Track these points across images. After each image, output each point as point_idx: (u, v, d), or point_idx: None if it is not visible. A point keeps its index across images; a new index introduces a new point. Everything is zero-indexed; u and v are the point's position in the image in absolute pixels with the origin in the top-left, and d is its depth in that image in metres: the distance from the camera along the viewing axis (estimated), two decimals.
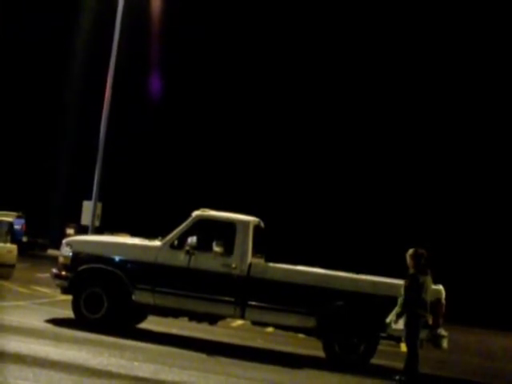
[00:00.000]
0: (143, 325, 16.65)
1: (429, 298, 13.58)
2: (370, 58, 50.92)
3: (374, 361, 14.97)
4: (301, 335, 16.07)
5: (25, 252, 33.91)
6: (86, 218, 29.33)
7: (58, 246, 18.00)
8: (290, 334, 16.25)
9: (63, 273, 15.64)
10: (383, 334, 14.88)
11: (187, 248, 15.03)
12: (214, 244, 15.18)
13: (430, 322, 13.86)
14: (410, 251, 13.76)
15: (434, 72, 49.84)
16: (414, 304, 13.36)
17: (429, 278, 13.68)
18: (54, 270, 15.90)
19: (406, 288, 13.43)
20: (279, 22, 51.89)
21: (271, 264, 15.43)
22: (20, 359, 10.71)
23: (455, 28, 49.12)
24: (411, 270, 13.63)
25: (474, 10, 48.69)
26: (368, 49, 50.87)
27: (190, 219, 15.53)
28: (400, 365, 16.52)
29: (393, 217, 49.08)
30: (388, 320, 13.66)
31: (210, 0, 52.38)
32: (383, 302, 14.72)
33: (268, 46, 51.97)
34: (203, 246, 15.12)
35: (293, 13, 52.02)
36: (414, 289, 13.40)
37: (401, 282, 15.12)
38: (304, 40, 51.72)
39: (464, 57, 49.21)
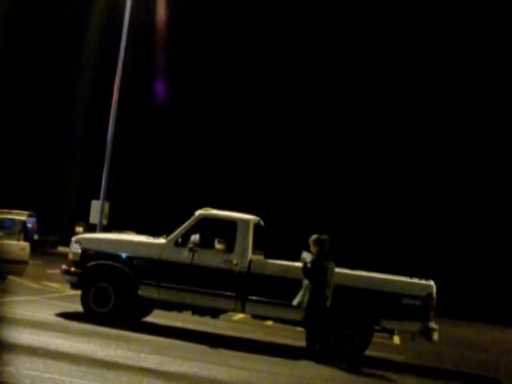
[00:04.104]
0: (149, 318, 16.67)
1: (332, 281, 14.16)
2: (370, 58, 50.76)
3: (368, 352, 15.00)
4: (299, 328, 16.08)
5: (36, 249, 33.90)
6: (94, 217, 29.39)
7: (67, 244, 18.00)
8: (289, 327, 16.26)
9: (72, 269, 15.67)
10: (377, 327, 14.94)
11: (190, 245, 15.06)
12: (215, 241, 15.22)
13: (328, 303, 14.22)
14: (313, 237, 14.37)
15: (434, 72, 49.69)
16: (321, 286, 13.91)
17: (332, 263, 14.26)
18: (64, 267, 15.92)
19: (312, 271, 13.99)
20: (280, 25, 51.79)
21: (270, 260, 15.46)
22: (31, 351, 10.73)
23: (455, 28, 48.95)
24: (315, 256, 14.14)
25: (474, 10, 48.51)
26: (368, 49, 50.70)
27: (193, 218, 15.56)
28: (393, 357, 16.58)
29: (392, 213, 49.02)
30: (295, 302, 14.10)
31: (213, 4, 52.31)
32: (377, 296, 14.77)
33: (268, 48, 51.89)
34: (206, 244, 15.15)
35: (293, 14, 51.92)
36: (320, 273, 13.96)
37: (397, 278, 15.20)
38: (304, 41, 51.62)
39: (464, 57, 49.03)
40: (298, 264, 15.59)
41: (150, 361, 11.36)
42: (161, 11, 31.13)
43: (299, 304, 14.08)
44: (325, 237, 14.45)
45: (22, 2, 51.21)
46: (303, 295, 14.07)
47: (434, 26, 49.33)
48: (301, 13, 52.08)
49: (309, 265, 14.12)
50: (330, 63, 51.34)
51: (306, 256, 14.30)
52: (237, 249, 15.12)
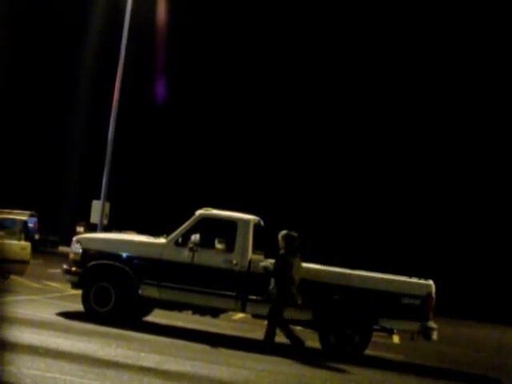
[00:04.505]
0: (149, 318, 16.69)
1: (297, 277, 14.33)
2: (370, 57, 50.73)
3: (367, 352, 15.01)
4: (298, 327, 16.09)
5: (37, 249, 33.92)
6: (95, 217, 29.42)
7: (68, 244, 18.04)
8: None
9: (73, 268, 15.69)
10: (376, 327, 14.96)
11: (191, 245, 15.07)
12: (216, 241, 15.22)
13: (299, 301, 14.41)
14: (283, 233, 14.64)
15: (434, 72, 49.64)
16: (286, 282, 14.14)
17: (298, 259, 14.46)
18: (65, 266, 15.94)
19: (278, 267, 14.25)
20: (280, 25, 51.79)
21: (270, 260, 15.46)
22: (33, 350, 10.74)
23: (455, 28, 48.91)
24: (282, 251, 14.42)
25: (474, 10, 48.46)
26: (368, 49, 50.68)
27: (193, 218, 15.58)
28: (393, 356, 16.60)
29: (391, 213, 49.01)
30: (271, 287, 14.41)
31: (213, 5, 52.30)
32: (376, 296, 14.79)
33: (268, 48, 51.90)
34: (206, 243, 15.16)
35: (293, 14, 51.91)
36: (285, 268, 14.19)
37: (396, 278, 15.23)
38: (304, 41, 51.60)
39: (464, 57, 48.98)
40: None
41: (151, 360, 11.37)
42: (161, 11, 31.15)
43: (271, 291, 14.33)
44: (294, 234, 14.71)
45: (22, 1, 51.23)
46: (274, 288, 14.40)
47: (434, 26, 49.31)
48: (301, 13, 52.08)
49: (270, 267, 14.42)
50: (330, 63, 51.35)
51: (265, 263, 14.67)
52: (237, 248, 15.14)
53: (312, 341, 15.60)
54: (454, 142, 49.52)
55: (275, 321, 14.37)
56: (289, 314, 14.91)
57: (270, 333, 14.34)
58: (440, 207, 48.80)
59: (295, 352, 13.99)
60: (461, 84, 48.90)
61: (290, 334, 14.36)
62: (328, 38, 51.20)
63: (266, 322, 17.45)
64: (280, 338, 16.68)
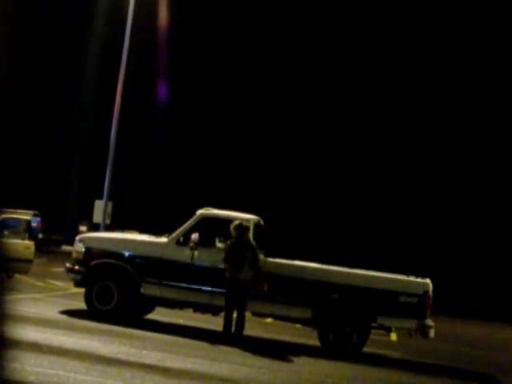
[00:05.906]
0: (151, 316, 16.71)
1: (247, 266, 14.52)
2: (370, 58, 50.66)
3: (365, 349, 15.04)
4: (298, 325, 16.13)
5: (41, 248, 33.92)
6: (97, 216, 29.42)
7: (71, 243, 18.03)
8: (288, 324, 16.31)
9: (76, 267, 15.73)
10: (374, 324, 14.99)
11: (192, 244, 15.11)
12: (216, 240, 15.27)
13: (265, 288, 14.69)
14: (235, 223, 14.81)
15: (434, 72, 49.58)
16: (230, 269, 14.48)
17: (248, 253, 14.54)
18: (68, 265, 15.98)
19: (225, 255, 14.61)
20: (280, 26, 51.77)
21: (270, 259, 15.50)
22: (36, 347, 10.78)
23: (455, 28, 48.83)
24: (230, 241, 14.67)
25: (474, 10, 48.39)
26: (368, 49, 50.61)
27: (194, 217, 15.61)
28: (390, 353, 16.62)
29: (390, 211, 48.95)
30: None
31: (214, 6, 52.28)
32: (375, 294, 14.83)
33: (269, 49, 51.86)
34: (206, 243, 15.21)
35: (293, 15, 51.88)
36: (230, 255, 14.48)
37: (394, 276, 15.27)
38: (304, 41, 51.57)
39: (464, 57, 48.90)
40: (297, 262, 15.69)
41: (152, 357, 11.40)
42: (163, 14, 31.17)
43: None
44: (246, 224, 14.84)
45: (24, 3, 51.20)
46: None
47: (434, 26, 49.27)
48: (301, 14, 52.07)
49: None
50: (330, 63, 51.32)
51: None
52: None
53: (311, 338, 15.64)
54: (443, 138, 49.38)
55: (244, 309, 14.64)
56: (289, 312, 14.95)
57: (238, 323, 14.63)
58: (431, 205, 48.71)
59: (224, 336, 14.25)
60: (460, 84, 48.86)
61: (228, 320, 14.50)
62: (328, 38, 51.15)
63: (266, 320, 17.50)
64: (279, 335, 16.72)
